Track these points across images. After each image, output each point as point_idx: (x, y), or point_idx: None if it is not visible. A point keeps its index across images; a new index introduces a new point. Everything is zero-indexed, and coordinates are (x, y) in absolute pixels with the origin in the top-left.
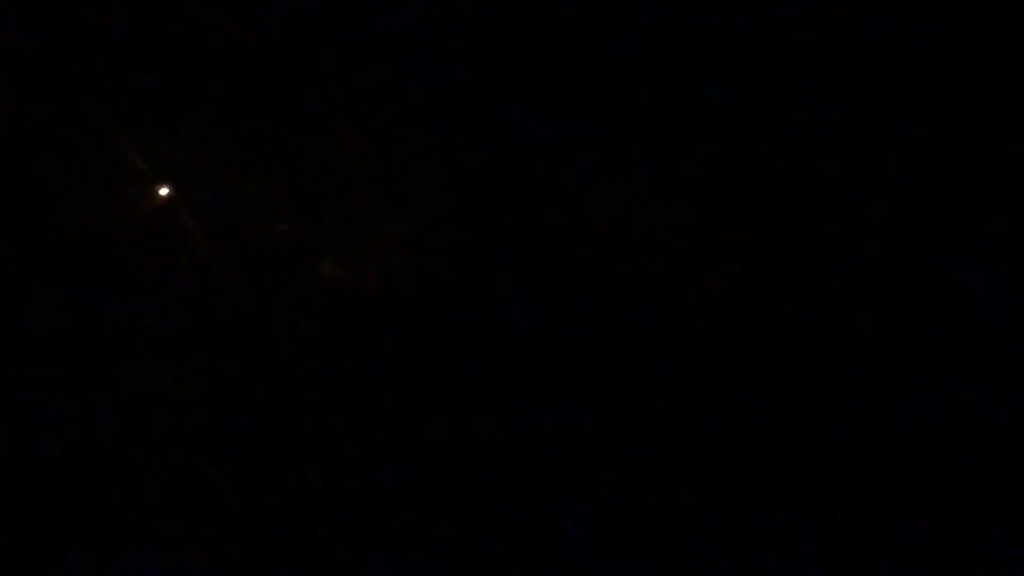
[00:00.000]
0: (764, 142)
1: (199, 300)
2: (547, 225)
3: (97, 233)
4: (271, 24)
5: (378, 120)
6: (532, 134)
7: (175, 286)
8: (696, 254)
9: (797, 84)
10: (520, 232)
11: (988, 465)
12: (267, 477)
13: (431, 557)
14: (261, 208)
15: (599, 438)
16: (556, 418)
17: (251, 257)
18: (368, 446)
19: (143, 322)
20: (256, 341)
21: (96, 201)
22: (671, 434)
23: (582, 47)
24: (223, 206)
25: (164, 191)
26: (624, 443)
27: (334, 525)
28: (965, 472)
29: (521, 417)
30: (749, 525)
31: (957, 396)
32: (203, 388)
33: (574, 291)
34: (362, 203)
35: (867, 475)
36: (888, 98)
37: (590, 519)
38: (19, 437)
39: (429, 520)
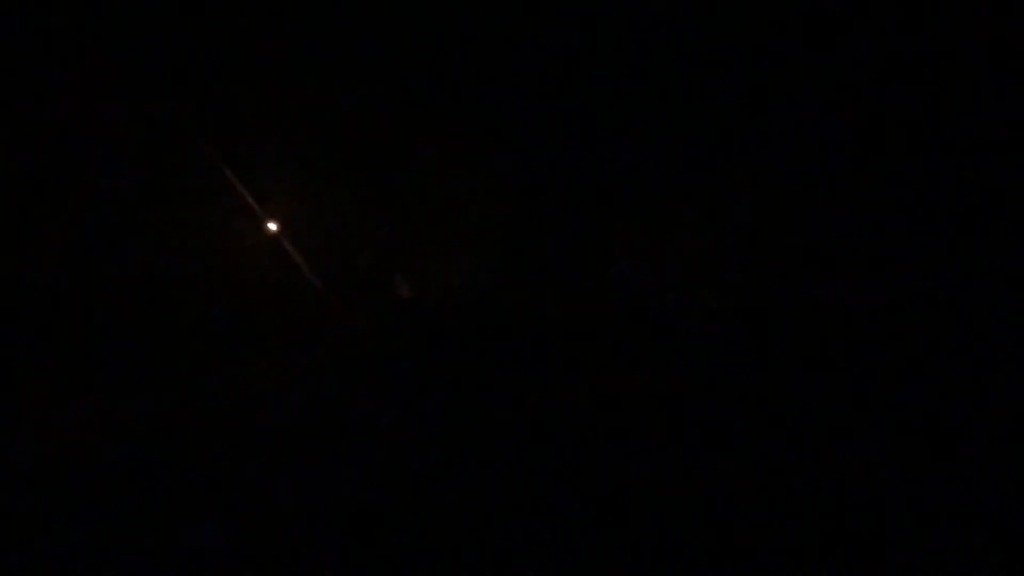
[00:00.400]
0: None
1: (300, 313)
2: (590, 251)
3: (219, 259)
4: (355, 94)
5: (445, 168)
6: (578, 177)
7: (280, 302)
8: (707, 278)
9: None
10: (565, 265)
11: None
12: (350, 454)
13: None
14: (348, 240)
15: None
16: (594, 414)
17: (340, 279)
18: (436, 430)
19: (255, 331)
20: (344, 346)
21: (218, 234)
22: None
23: (631, 97)
24: (319, 238)
25: (272, 226)
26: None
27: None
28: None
29: (568, 417)
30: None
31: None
32: (304, 383)
33: (612, 308)
34: (430, 236)
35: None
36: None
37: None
38: (149, 423)
39: (482, 504)
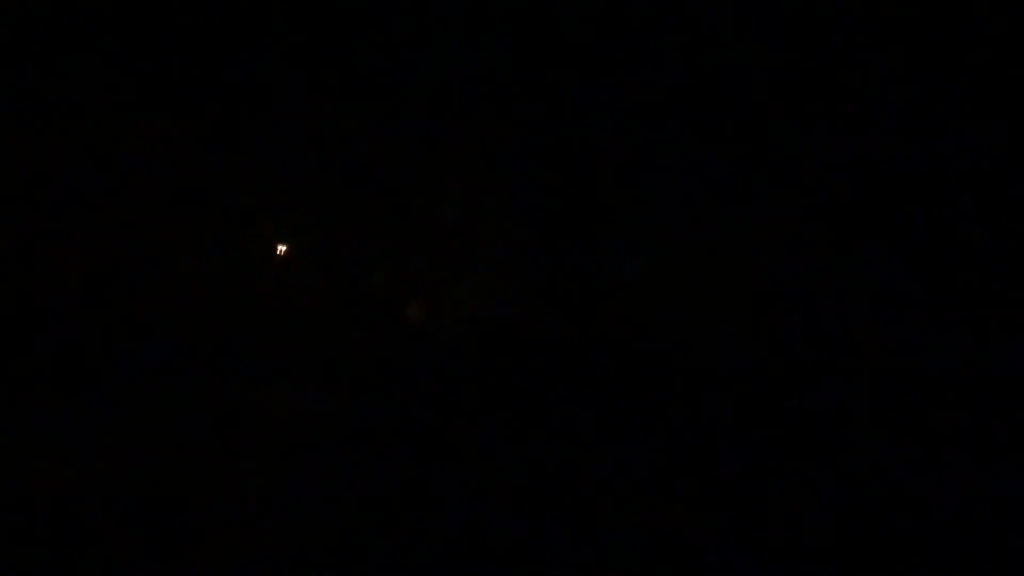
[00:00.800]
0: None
1: (311, 333)
2: (596, 276)
3: (234, 279)
4: (369, 115)
5: (456, 197)
6: (579, 201)
7: (292, 322)
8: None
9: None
10: (571, 288)
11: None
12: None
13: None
14: (362, 263)
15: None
16: (605, 440)
17: (353, 301)
18: (440, 449)
19: (267, 349)
20: (356, 367)
21: (234, 255)
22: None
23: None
24: (331, 261)
25: (282, 248)
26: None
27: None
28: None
29: (575, 441)
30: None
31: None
32: (314, 402)
33: (620, 332)
34: (442, 260)
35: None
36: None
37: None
38: (168, 445)
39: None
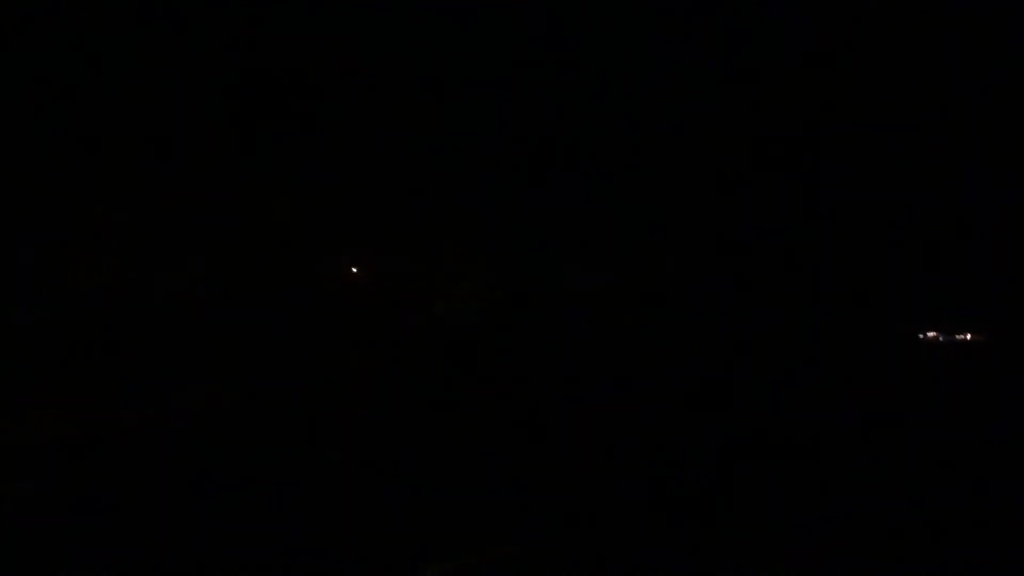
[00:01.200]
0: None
1: (355, 328)
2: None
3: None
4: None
5: (465, 225)
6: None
7: (340, 324)
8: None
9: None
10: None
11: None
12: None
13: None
14: (396, 270)
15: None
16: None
17: (390, 300)
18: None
19: (318, 345)
20: (391, 355)
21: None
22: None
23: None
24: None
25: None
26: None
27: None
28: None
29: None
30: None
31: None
32: (356, 385)
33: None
34: (461, 269)
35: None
36: None
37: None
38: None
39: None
